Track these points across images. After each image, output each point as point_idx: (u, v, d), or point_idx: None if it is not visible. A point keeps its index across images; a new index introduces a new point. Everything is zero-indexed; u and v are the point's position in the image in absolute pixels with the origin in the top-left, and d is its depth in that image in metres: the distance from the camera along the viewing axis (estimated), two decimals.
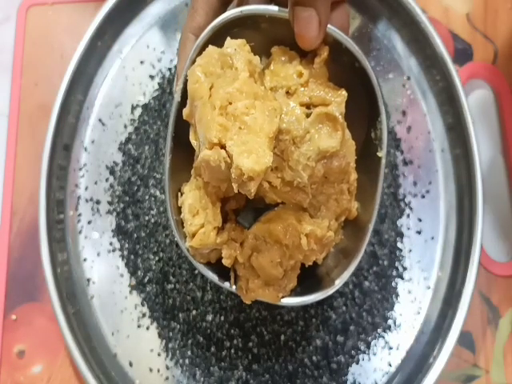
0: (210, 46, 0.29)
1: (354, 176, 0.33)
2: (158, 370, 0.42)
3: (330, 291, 0.33)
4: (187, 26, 0.32)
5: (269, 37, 0.31)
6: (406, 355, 0.41)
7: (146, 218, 0.43)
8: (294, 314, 0.40)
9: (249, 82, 0.28)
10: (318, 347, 0.40)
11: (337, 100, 0.30)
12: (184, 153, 0.32)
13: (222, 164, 0.27)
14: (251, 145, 0.26)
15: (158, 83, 0.47)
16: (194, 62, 0.30)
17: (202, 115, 0.28)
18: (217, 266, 0.33)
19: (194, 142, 0.30)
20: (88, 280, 0.44)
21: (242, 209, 0.33)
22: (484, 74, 0.47)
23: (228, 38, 0.29)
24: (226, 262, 0.32)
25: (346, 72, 0.32)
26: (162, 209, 0.42)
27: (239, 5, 0.33)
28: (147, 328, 0.42)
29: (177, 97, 0.31)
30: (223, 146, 0.27)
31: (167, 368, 0.42)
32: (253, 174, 0.26)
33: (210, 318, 0.40)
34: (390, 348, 0.41)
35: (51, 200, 0.44)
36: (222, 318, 0.40)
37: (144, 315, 0.43)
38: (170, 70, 0.47)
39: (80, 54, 0.45)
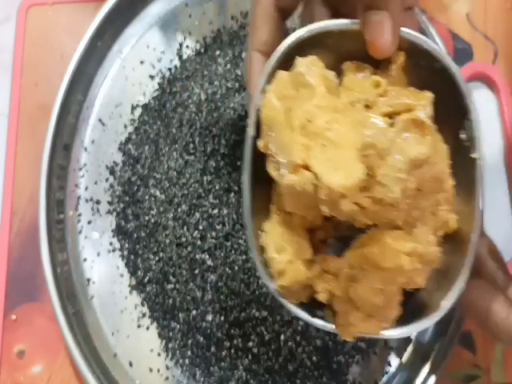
0: (279, 72, 0.28)
1: (450, 183, 0.29)
2: (158, 370, 0.42)
3: (436, 316, 0.29)
4: (252, 45, 0.30)
5: (336, 53, 0.30)
6: (406, 355, 0.41)
7: (146, 218, 0.43)
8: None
9: (326, 96, 0.27)
10: (317, 347, 0.40)
11: (421, 103, 0.28)
12: (260, 189, 0.30)
13: (308, 186, 0.25)
14: (338, 160, 0.25)
15: (158, 83, 0.47)
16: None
17: (281, 140, 0.27)
18: (306, 305, 0.30)
19: (273, 173, 0.28)
20: (88, 280, 0.44)
21: (329, 239, 0.31)
22: (484, 74, 0.47)
23: (298, 58, 0.28)
24: (321, 297, 0.29)
25: (426, 74, 0.29)
26: (161, 209, 0.42)
27: (304, 18, 0.32)
28: (147, 328, 0.42)
29: (250, 130, 0.29)
30: (307, 168, 0.25)
31: (167, 368, 0.42)
32: (344, 191, 0.24)
33: (209, 318, 0.40)
34: (390, 348, 0.41)
35: (51, 200, 0.44)
36: (222, 318, 0.40)
37: (144, 315, 0.43)
38: (169, 70, 0.47)
39: (80, 54, 0.45)
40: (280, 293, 0.30)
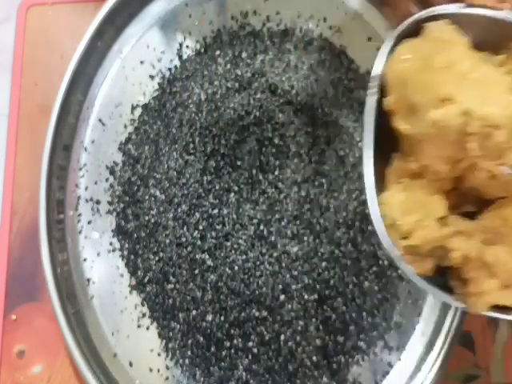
0: (407, 39, 0.29)
1: None
2: (158, 370, 0.42)
3: None
4: None
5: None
6: (405, 355, 0.41)
7: (146, 217, 0.43)
8: (293, 314, 0.40)
9: (465, 50, 0.27)
10: (318, 347, 0.40)
11: None
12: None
13: (455, 120, 0.24)
14: (488, 95, 0.24)
15: (158, 83, 0.47)
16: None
17: (421, 83, 0.26)
18: (430, 279, 0.29)
19: (405, 127, 0.28)
20: (88, 280, 0.44)
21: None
22: None
23: (430, 23, 0.28)
24: (455, 256, 0.27)
25: None
26: (161, 209, 0.42)
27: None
28: (147, 328, 0.42)
29: (373, 92, 0.29)
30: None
31: (167, 368, 0.42)
32: (500, 120, 0.23)
33: (209, 318, 0.40)
34: (390, 348, 0.41)
35: (51, 200, 0.44)
36: (222, 318, 0.40)
37: (144, 315, 0.43)
38: (169, 70, 0.47)
39: (80, 54, 0.45)
40: (405, 259, 0.28)
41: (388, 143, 0.30)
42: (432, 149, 0.27)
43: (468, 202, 0.29)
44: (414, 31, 0.30)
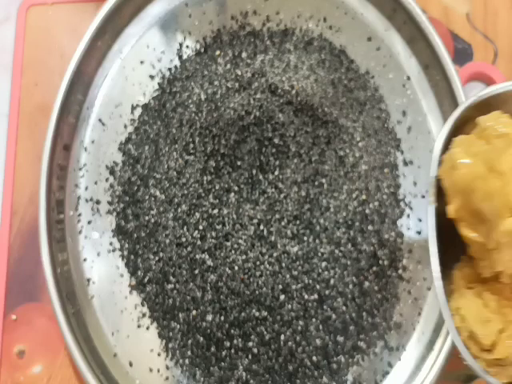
0: (461, 136, 0.28)
1: None
2: (158, 370, 0.42)
3: None
4: None
5: None
6: (406, 355, 0.41)
7: (146, 218, 0.43)
8: (293, 314, 0.40)
9: None
10: (318, 347, 0.40)
11: None
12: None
13: None
14: None
15: (158, 83, 0.47)
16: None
17: (488, 190, 0.26)
18: None
19: (474, 235, 0.28)
20: (88, 280, 0.44)
21: None
22: (484, 74, 0.47)
23: (480, 117, 0.28)
24: None
25: None
26: (161, 209, 0.42)
27: None
28: (147, 328, 0.42)
29: (432, 201, 0.29)
30: None
31: (167, 368, 0.42)
32: None
33: (209, 318, 0.40)
34: (390, 348, 0.41)
35: (51, 200, 0.44)
36: (222, 318, 0.40)
37: (144, 315, 0.43)
38: (169, 70, 0.47)
39: (80, 53, 0.45)
40: (490, 372, 0.27)
41: (451, 243, 0.29)
42: (508, 255, 0.26)
43: None
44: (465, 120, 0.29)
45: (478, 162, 0.27)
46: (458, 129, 0.30)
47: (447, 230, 0.29)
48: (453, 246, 0.30)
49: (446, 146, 0.29)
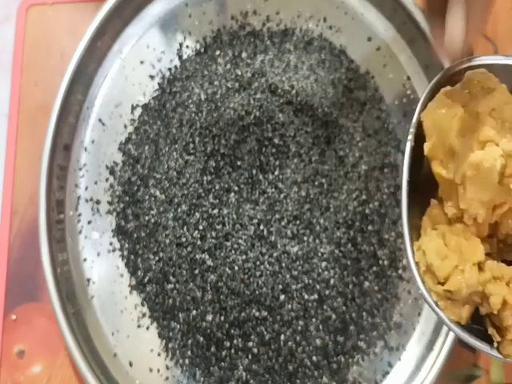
0: (446, 87, 0.29)
1: None
2: (158, 370, 0.42)
3: None
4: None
5: None
6: (406, 355, 0.41)
7: (146, 218, 0.43)
8: (293, 314, 0.40)
9: (509, 95, 0.27)
10: (318, 347, 0.40)
11: None
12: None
13: (497, 162, 0.25)
14: None
15: (158, 83, 0.47)
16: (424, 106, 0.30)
17: (462, 128, 0.27)
18: (464, 327, 0.29)
19: (442, 172, 0.29)
20: (88, 280, 0.44)
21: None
22: None
23: (469, 71, 0.29)
24: (494, 301, 0.27)
25: None
26: (161, 209, 0.42)
27: None
28: (147, 328, 0.42)
29: (411, 140, 0.30)
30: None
31: (167, 368, 0.42)
32: None
33: (209, 318, 0.40)
34: (390, 348, 0.41)
35: (51, 200, 0.44)
36: (222, 318, 0.40)
37: (144, 315, 0.43)
38: (169, 70, 0.47)
39: (80, 53, 0.45)
40: (441, 305, 0.28)
41: (430, 193, 0.30)
42: (471, 192, 0.27)
43: (505, 250, 0.29)
44: (450, 81, 0.30)
45: (458, 105, 0.29)
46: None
47: (426, 181, 0.31)
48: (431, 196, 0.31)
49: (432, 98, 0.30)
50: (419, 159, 0.30)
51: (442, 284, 0.28)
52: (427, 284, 0.29)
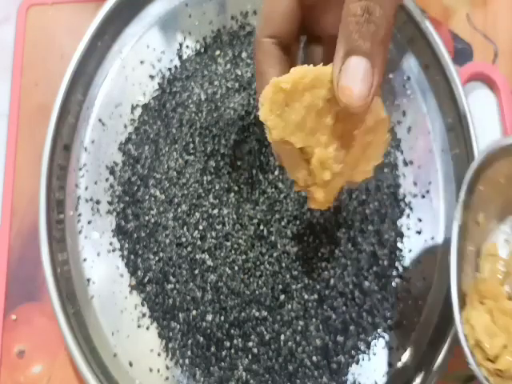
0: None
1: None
2: (158, 370, 0.42)
3: None
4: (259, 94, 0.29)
5: None
6: (406, 355, 0.41)
7: (146, 217, 0.43)
8: (293, 314, 0.40)
9: None
10: (318, 347, 0.40)
11: None
12: None
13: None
14: None
15: (158, 83, 0.47)
16: None
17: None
18: None
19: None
20: (88, 280, 0.44)
21: None
22: (484, 73, 0.47)
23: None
24: None
25: None
26: (161, 209, 0.42)
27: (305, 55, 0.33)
28: (147, 328, 0.42)
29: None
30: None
31: (167, 368, 0.42)
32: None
33: (209, 318, 0.40)
34: (390, 348, 0.41)
35: (51, 200, 0.44)
36: (222, 318, 0.40)
37: (144, 315, 0.43)
38: (169, 70, 0.47)
39: (80, 53, 0.45)
40: (491, 381, 0.29)
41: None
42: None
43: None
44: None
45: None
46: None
47: None
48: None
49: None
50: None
51: (492, 361, 0.30)
52: (477, 358, 0.30)
